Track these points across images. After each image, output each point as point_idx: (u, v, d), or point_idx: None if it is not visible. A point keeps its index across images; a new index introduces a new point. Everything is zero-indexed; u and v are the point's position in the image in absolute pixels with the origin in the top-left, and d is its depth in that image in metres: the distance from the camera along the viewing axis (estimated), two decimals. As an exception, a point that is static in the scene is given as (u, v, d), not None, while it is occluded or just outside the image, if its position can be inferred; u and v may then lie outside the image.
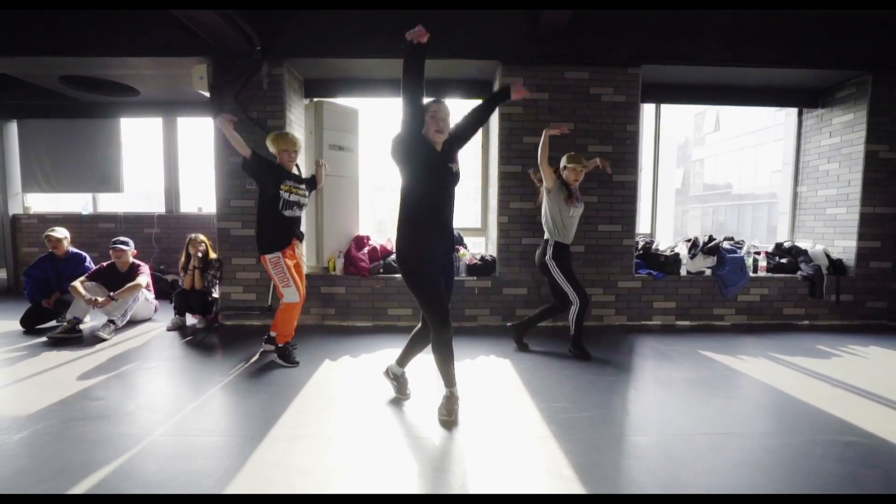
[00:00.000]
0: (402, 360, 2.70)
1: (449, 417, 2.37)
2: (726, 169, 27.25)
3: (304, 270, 3.48)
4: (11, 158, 6.25)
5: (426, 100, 2.28)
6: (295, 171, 3.44)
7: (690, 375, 3.12)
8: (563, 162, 3.52)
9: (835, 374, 3.12)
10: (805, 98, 5.22)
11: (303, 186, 3.41)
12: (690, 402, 2.69)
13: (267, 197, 3.28)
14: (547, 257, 3.49)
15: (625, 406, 2.64)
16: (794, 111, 5.55)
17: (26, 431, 2.22)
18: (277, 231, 3.28)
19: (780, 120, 20.79)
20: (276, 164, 3.35)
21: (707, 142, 29.05)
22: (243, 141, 3.27)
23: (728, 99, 5.34)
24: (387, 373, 2.77)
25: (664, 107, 5.36)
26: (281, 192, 3.25)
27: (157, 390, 2.84)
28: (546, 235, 3.56)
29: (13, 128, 6.24)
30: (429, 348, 2.47)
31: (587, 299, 3.46)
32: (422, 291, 2.32)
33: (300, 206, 3.39)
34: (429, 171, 2.28)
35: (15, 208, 6.33)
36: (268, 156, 3.42)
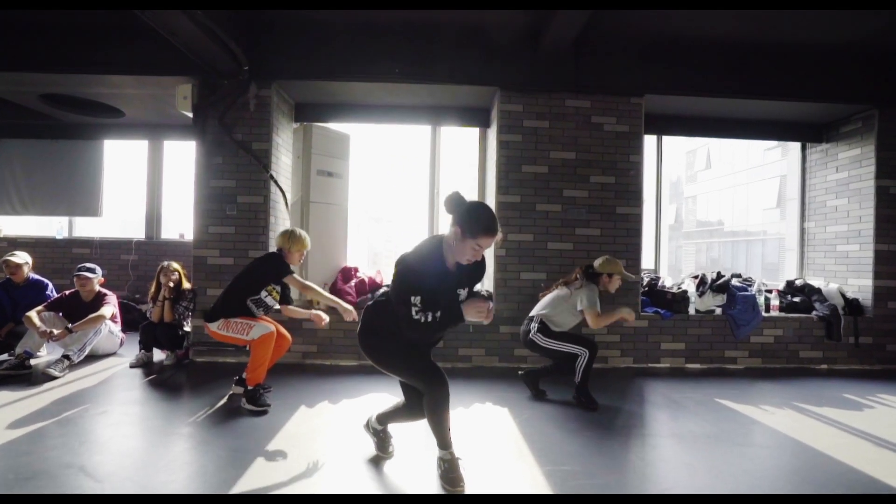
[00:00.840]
0: (384, 419, 2.30)
1: (454, 488, 1.95)
2: (719, 206, 27.52)
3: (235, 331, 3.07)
4: (-15, 179, 5.96)
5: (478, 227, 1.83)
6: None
7: (711, 429, 2.77)
8: (607, 268, 3.30)
9: (872, 430, 2.79)
10: (808, 132, 5.11)
11: (272, 284, 3.19)
12: (715, 462, 2.34)
13: (247, 288, 3.09)
14: (532, 333, 3.22)
15: (642, 469, 2.28)
16: (791, 147, 5.45)
17: (-77, 499, 1.82)
18: (235, 308, 3.05)
19: (770, 158, 21.14)
20: (284, 263, 3.15)
21: (699, 179, 29.46)
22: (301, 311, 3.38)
23: (730, 132, 5.22)
24: (367, 426, 2.38)
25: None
26: (261, 293, 3.13)
27: (100, 443, 2.44)
28: (534, 313, 3.30)
29: (-9, 148, 5.98)
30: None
31: (594, 347, 3.14)
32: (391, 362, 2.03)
33: (267, 308, 3.23)
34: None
35: (-16, 231, 5.98)
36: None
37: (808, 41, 4.18)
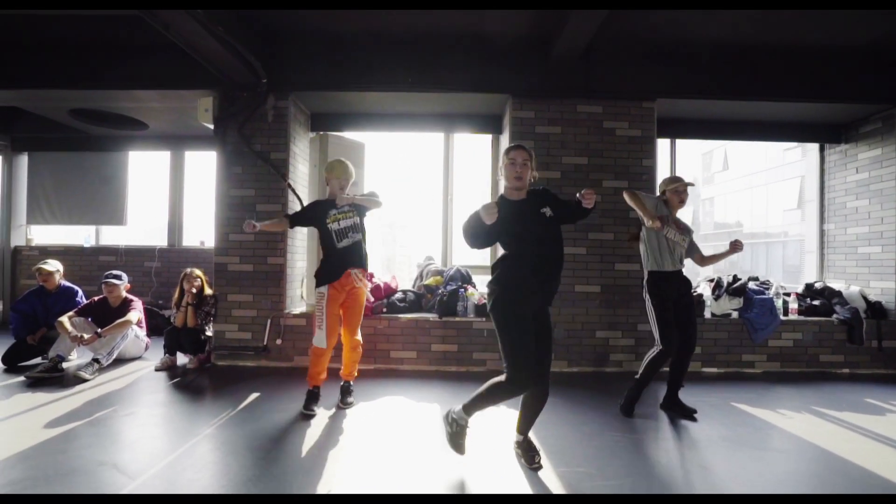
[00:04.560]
0: (473, 407, 2.28)
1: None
2: (737, 207, 27.03)
3: (365, 300, 3.17)
4: (19, 190, 6.23)
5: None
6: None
7: (726, 433, 2.76)
8: (662, 188, 3.19)
9: (895, 435, 2.74)
10: (826, 133, 5.04)
11: (346, 208, 3.08)
12: (731, 466, 2.34)
13: (321, 236, 3.10)
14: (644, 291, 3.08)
15: (657, 472, 2.29)
16: (810, 148, 5.39)
17: (-31, 494, 1.94)
18: (326, 265, 3.06)
19: (790, 158, 20.73)
20: (314, 203, 3.22)
21: (716, 180, 28.99)
22: (275, 221, 3.23)
23: (745, 134, 5.18)
24: (451, 418, 2.35)
25: (675, 143, 5.21)
26: (328, 225, 3.04)
27: (129, 442, 2.55)
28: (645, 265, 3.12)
29: (24, 160, 6.26)
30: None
31: (669, 349, 2.94)
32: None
33: (354, 229, 3.09)
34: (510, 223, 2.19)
35: (17, 240, 6.24)
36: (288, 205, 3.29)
37: (821, 42, 4.14)
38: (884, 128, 4.53)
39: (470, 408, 2.26)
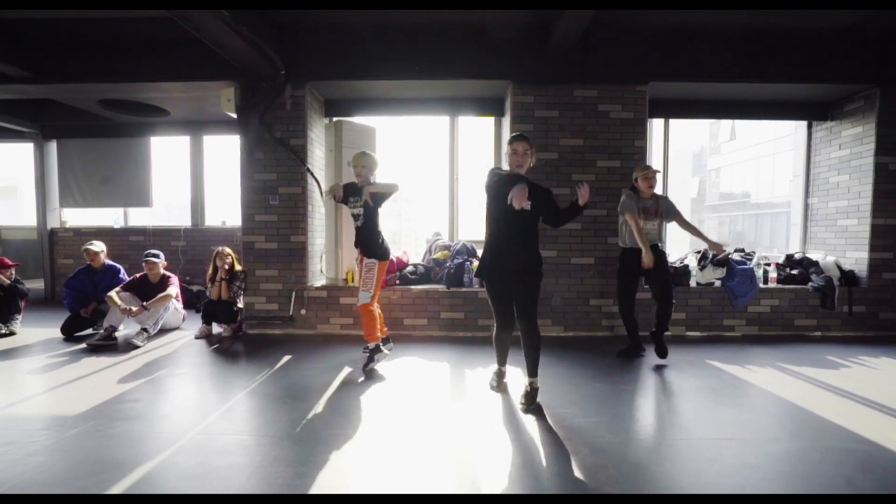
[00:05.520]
0: (504, 359, 3.13)
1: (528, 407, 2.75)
2: (743, 178, 26.93)
3: (363, 275, 3.64)
4: (51, 175, 6.65)
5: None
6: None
7: (697, 384, 3.21)
8: (634, 175, 3.78)
9: (842, 385, 3.17)
10: (814, 111, 5.29)
11: (353, 198, 3.60)
12: (697, 409, 2.79)
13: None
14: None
15: (631, 413, 2.74)
16: (803, 124, 5.62)
17: (76, 429, 2.43)
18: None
19: (795, 128, 20.58)
20: (349, 185, 3.66)
21: (723, 151, 28.78)
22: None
23: (736, 113, 5.43)
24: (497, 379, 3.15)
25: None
26: (350, 210, 3.66)
27: (187, 394, 3.04)
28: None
29: (53, 147, 6.65)
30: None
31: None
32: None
33: (356, 217, 3.62)
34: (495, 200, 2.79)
35: (53, 222, 6.70)
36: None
37: (808, 25, 4.37)
38: (865, 106, 4.78)
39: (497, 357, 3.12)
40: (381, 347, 3.64)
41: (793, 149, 20.99)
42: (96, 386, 3.12)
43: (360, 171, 3.56)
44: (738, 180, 27.07)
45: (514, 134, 2.85)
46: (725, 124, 27.04)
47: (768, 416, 2.71)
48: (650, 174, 3.66)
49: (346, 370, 3.50)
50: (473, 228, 6.17)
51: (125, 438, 2.35)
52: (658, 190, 3.83)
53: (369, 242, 3.59)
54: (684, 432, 2.45)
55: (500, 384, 3.10)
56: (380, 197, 3.55)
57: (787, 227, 22.24)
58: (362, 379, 3.31)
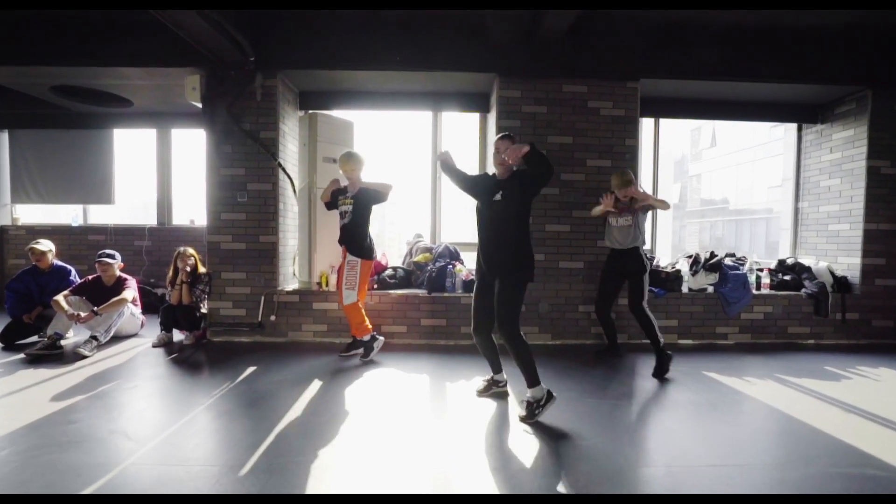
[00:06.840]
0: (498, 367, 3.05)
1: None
2: (723, 184, 27.35)
3: (344, 274, 3.71)
4: (1, 169, 6.15)
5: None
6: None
7: (694, 398, 2.99)
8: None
9: (846, 398, 2.99)
10: (804, 113, 5.19)
11: (342, 196, 3.75)
12: (696, 428, 2.56)
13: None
14: None
15: (629, 434, 2.50)
16: (792, 127, 5.53)
17: (-12, 460, 2.07)
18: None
19: (776, 135, 20.94)
20: (337, 182, 3.89)
21: (704, 157, 29.19)
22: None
23: (726, 114, 5.32)
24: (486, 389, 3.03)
25: (661, 121, 5.32)
26: (338, 207, 3.76)
27: (135, 412, 2.69)
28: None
29: (4, 138, 6.15)
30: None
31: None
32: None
33: (342, 214, 3.72)
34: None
35: (3, 219, 6.20)
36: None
37: (798, 25, 4.23)
38: (857, 108, 4.68)
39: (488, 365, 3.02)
40: (376, 336, 3.79)
41: (773, 155, 21.35)
42: (28, 403, 2.75)
43: (350, 174, 3.72)
44: (719, 187, 27.47)
45: (500, 134, 2.83)
46: (706, 131, 27.42)
47: (774, 437, 2.51)
48: (625, 193, 3.67)
49: (314, 384, 3.18)
50: (457, 230, 5.90)
51: (47, 470, 2.00)
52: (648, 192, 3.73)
53: (355, 241, 3.66)
54: (687, 458, 2.21)
55: (487, 390, 2.99)
56: (379, 196, 3.68)
57: (766, 233, 22.61)
58: (334, 392, 3.00)
